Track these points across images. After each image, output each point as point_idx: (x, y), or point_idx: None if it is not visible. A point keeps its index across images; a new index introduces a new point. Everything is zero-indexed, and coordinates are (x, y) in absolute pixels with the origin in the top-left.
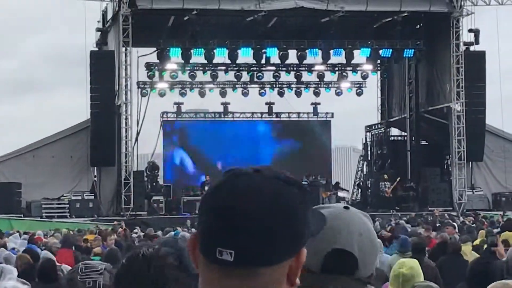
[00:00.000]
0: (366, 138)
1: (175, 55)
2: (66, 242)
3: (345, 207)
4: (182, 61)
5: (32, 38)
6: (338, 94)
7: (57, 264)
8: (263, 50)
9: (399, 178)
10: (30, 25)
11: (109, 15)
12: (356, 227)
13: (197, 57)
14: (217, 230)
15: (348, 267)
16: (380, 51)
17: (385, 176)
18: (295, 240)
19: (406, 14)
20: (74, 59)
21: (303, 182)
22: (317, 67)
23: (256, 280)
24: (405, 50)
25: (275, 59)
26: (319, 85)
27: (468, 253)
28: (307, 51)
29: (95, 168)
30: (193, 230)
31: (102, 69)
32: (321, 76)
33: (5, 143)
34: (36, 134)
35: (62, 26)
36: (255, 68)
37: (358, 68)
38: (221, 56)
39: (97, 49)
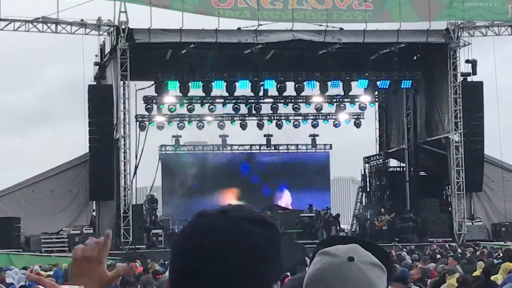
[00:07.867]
0: (364, 169)
1: (173, 88)
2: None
3: (350, 258)
4: (180, 94)
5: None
6: (336, 125)
7: None
8: (261, 83)
9: (393, 214)
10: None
11: (107, 49)
12: (351, 285)
13: (195, 90)
14: (180, 271)
15: None
16: (378, 83)
17: (382, 210)
18: (261, 278)
19: (404, 45)
20: (75, 93)
21: (303, 215)
22: (314, 99)
23: None
24: (403, 81)
25: (273, 91)
26: (317, 117)
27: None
28: (304, 83)
29: (94, 202)
30: None
31: (101, 103)
32: (319, 108)
33: (12, 178)
34: (43, 167)
35: (63, 60)
36: (253, 101)
37: (356, 100)
38: (219, 88)
39: (95, 83)
